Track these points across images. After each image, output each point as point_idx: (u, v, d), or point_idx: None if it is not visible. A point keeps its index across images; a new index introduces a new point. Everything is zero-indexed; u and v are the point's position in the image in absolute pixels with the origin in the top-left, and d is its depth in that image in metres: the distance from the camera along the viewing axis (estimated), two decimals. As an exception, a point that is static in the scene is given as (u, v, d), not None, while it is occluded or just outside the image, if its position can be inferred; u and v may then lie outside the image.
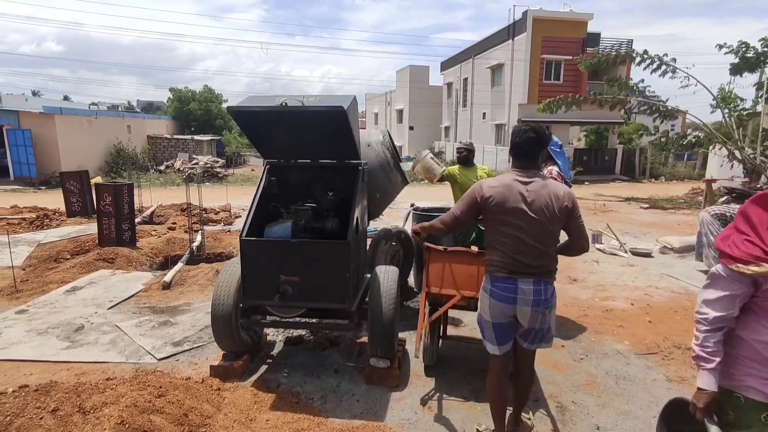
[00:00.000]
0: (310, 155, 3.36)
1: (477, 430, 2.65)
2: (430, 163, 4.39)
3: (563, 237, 2.35)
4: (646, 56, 12.15)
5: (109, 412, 2.42)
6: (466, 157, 4.51)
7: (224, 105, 31.94)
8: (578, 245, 2.31)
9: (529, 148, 2.26)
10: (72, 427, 2.30)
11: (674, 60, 12.03)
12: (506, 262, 2.22)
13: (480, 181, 2.37)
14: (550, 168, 4.17)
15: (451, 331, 3.91)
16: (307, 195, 3.46)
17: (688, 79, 11.89)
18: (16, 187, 15.01)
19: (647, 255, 6.85)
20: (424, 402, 2.92)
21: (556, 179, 4.04)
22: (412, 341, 3.77)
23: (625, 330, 4.13)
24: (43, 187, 15.21)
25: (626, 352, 3.68)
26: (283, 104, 2.66)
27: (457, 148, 4.57)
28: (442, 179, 4.48)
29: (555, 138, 4.34)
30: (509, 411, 2.57)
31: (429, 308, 3.07)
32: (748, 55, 11.40)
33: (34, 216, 8.76)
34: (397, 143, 4.30)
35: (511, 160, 2.32)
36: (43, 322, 4.09)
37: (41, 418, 2.33)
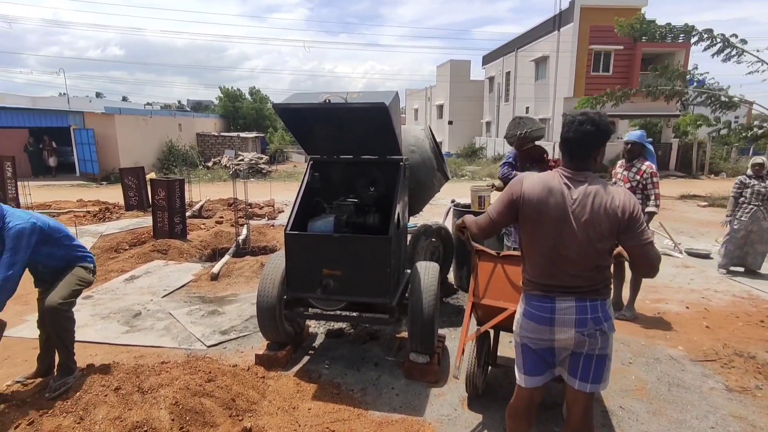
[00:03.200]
0: (352, 151, 3.40)
1: None
2: (473, 198, 4.54)
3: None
4: (707, 35, 11.06)
5: (165, 393, 2.58)
6: None
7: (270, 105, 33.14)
8: (639, 269, 1.87)
9: (585, 144, 1.79)
10: (132, 405, 2.48)
11: (744, 41, 10.92)
12: (541, 277, 1.85)
13: (521, 175, 1.95)
14: (648, 164, 4.10)
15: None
16: (349, 190, 3.51)
17: (761, 64, 10.85)
18: (81, 182, 16.17)
19: (705, 256, 6.43)
20: (464, 399, 2.90)
21: (653, 176, 3.97)
22: (452, 338, 3.76)
23: (679, 334, 3.90)
24: (104, 183, 16.28)
25: (680, 357, 3.49)
26: (327, 101, 2.72)
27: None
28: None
29: (642, 132, 4.26)
30: None
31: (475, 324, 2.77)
32: None
33: (97, 209, 9.42)
34: (437, 139, 4.31)
35: (560, 157, 1.91)
36: (105, 308, 4.40)
37: (106, 395, 2.52)
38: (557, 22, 21.00)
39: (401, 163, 3.28)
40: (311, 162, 3.46)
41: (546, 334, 1.84)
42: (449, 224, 5.08)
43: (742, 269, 5.72)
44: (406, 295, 3.28)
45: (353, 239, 3.00)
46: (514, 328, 2.00)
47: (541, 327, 1.84)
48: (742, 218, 5.53)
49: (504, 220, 1.95)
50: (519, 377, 1.97)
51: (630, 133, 4.30)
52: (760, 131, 11.50)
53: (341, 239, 2.98)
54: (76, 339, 3.67)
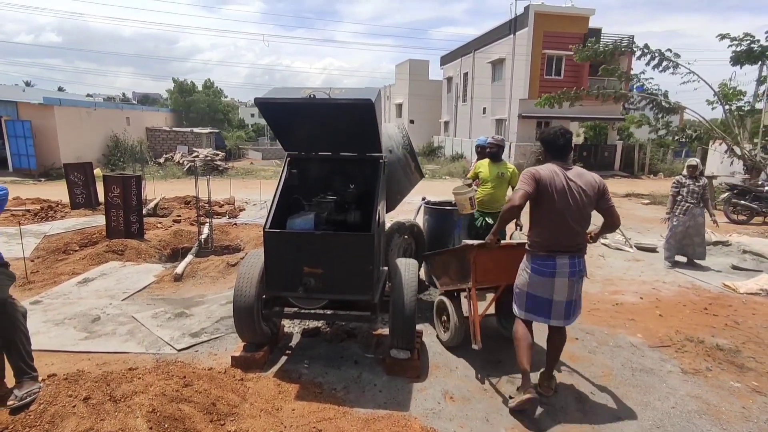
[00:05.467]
0: (331, 148, 3.36)
1: (510, 397, 2.84)
2: (462, 202, 4.57)
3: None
4: (647, 50, 12.06)
5: (140, 401, 2.44)
6: (496, 153, 4.78)
7: (224, 99, 31.93)
8: (610, 222, 2.80)
9: (568, 145, 2.81)
10: (105, 415, 2.32)
11: (677, 55, 11.97)
12: (548, 242, 2.68)
13: (529, 168, 2.73)
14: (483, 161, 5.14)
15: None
16: (327, 187, 3.47)
17: (692, 75, 11.87)
18: (16, 178, 14.87)
19: (652, 250, 6.92)
20: (446, 392, 2.96)
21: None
22: (428, 333, 3.82)
23: (636, 323, 4.18)
24: (42, 179, 15.08)
25: (640, 344, 3.74)
26: (311, 96, 2.67)
27: (489, 143, 4.86)
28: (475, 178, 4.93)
29: (484, 137, 5.49)
30: (537, 373, 3.03)
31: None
32: (753, 47, 11.34)
33: (39, 208, 8.71)
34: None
35: (547, 157, 2.82)
36: (58, 313, 4.09)
37: (74, 406, 2.34)
38: (513, 26, 21.76)
39: (381, 161, 3.29)
40: (289, 158, 3.39)
41: (547, 283, 2.69)
42: (420, 221, 5.15)
43: (685, 260, 6.21)
44: (385, 291, 3.29)
45: (335, 237, 2.98)
46: (518, 285, 2.83)
47: (544, 279, 2.68)
48: (680, 215, 6.01)
49: (532, 191, 2.64)
50: (519, 312, 2.85)
51: (478, 138, 5.67)
52: (694, 134, 12.55)
53: (323, 237, 2.95)
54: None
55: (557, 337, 2.90)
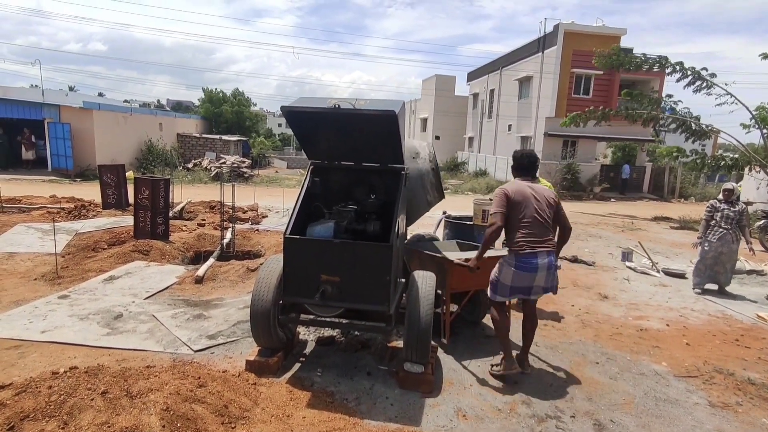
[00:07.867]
0: (354, 158, 3.40)
1: (492, 365, 3.40)
2: (476, 211, 4.86)
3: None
4: (679, 68, 11.66)
5: (155, 398, 2.48)
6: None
7: (253, 108, 32.66)
8: (566, 227, 3.28)
9: (533, 166, 3.38)
10: (120, 409, 2.37)
11: (713, 75, 11.56)
12: (528, 240, 3.07)
13: (501, 186, 3.28)
14: None
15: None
16: (348, 197, 3.50)
17: (730, 97, 11.44)
18: (53, 178, 15.56)
19: (681, 276, 6.66)
20: (459, 410, 2.90)
21: None
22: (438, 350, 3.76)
23: (662, 351, 4.01)
24: (78, 179, 15.72)
25: (665, 373, 3.58)
26: (336, 106, 2.72)
27: None
28: None
29: None
30: (516, 354, 3.41)
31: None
32: None
33: (72, 206, 9.07)
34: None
35: (515, 173, 3.40)
36: (83, 308, 4.22)
37: (92, 399, 2.40)
38: (542, 44, 21.67)
39: (402, 172, 3.30)
40: (312, 167, 3.44)
41: (530, 278, 3.13)
42: (440, 234, 5.12)
43: (716, 287, 5.95)
44: (402, 303, 3.27)
45: (355, 246, 2.98)
46: (501, 279, 3.22)
47: (528, 274, 3.11)
48: (713, 240, 5.77)
49: (505, 210, 3.12)
50: (501, 299, 3.29)
51: None
52: (731, 162, 12.08)
53: (342, 245, 2.96)
54: (53, 340, 3.53)
55: (529, 322, 3.36)
